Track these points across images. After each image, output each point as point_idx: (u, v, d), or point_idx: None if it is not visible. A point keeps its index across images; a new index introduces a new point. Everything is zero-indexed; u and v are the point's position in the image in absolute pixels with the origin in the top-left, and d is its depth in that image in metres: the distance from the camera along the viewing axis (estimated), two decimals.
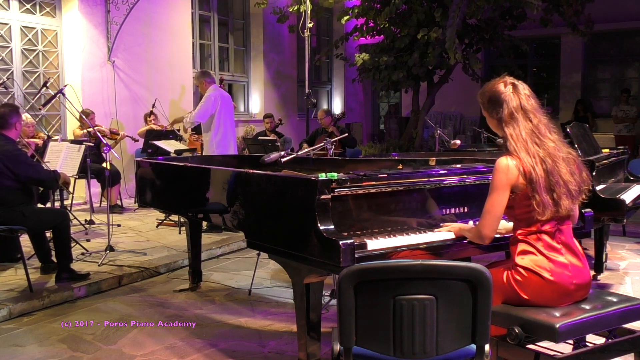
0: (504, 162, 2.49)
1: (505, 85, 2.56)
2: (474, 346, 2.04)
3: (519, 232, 2.55)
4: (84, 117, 6.49)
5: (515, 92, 2.54)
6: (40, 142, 5.94)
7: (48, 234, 5.10)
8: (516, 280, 2.50)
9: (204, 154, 6.84)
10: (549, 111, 2.64)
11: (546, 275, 2.44)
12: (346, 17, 10.82)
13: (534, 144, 2.48)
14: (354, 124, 13.60)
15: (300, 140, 9.20)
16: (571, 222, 2.62)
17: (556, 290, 2.46)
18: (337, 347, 2.12)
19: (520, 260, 2.51)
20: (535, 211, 2.44)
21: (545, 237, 2.49)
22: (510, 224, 2.75)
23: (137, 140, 8.24)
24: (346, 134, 5.98)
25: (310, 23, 8.82)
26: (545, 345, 2.57)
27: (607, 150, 5.41)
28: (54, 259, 5.02)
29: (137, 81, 9.28)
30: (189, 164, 4.35)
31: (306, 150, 4.07)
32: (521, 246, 2.53)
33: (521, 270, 2.49)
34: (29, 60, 8.27)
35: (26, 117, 6.52)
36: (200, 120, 6.56)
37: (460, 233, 2.75)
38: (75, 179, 6.81)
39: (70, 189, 7.79)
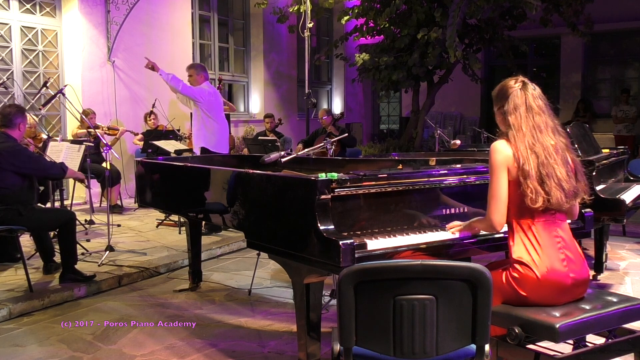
0: (498, 143, 2.56)
1: (516, 82, 2.62)
2: (474, 346, 2.04)
3: (513, 218, 2.58)
4: (84, 117, 6.48)
5: (523, 90, 2.59)
6: (40, 143, 5.94)
7: (51, 233, 5.10)
8: (513, 277, 2.51)
9: (194, 145, 6.63)
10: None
11: (542, 266, 2.46)
12: (346, 17, 10.83)
13: (532, 137, 2.52)
14: (354, 124, 13.59)
15: (300, 140, 9.18)
16: (569, 218, 2.65)
17: (554, 284, 2.46)
18: (337, 347, 2.12)
19: (515, 252, 2.54)
20: (528, 197, 2.47)
21: (540, 228, 2.52)
22: None
23: (137, 134, 8.23)
24: (346, 134, 5.96)
25: (310, 23, 8.82)
26: (545, 345, 2.57)
27: (607, 150, 5.41)
28: (56, 259, 5.02)
29: (137, 81, 9.27)
30: (189, 164, 4.35)
31: (306, 150, 4.06)
32: (517, 237, 2.56)
33: (517, 266, 2.51)
34: (29, 60, 8.26)
35: (28, 117, 6.51)
36: (179, 88, 6.15)
37: (470, 229, 2.76)
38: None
39: (71, 185, 7.82)
